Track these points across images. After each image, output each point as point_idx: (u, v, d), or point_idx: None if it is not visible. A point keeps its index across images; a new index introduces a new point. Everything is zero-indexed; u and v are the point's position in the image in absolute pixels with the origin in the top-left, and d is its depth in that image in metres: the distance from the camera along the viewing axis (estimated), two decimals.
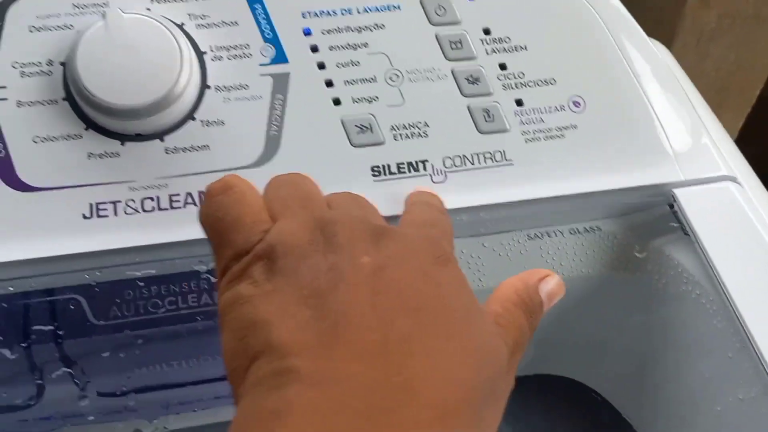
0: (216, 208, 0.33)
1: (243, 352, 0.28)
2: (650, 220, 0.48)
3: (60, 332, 0.48)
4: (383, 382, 0.26)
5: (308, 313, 0.28)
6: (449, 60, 0.45)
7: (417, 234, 0.33)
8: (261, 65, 0.44)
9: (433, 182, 0.44)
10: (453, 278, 0.31)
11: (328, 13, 0.45)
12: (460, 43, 0.46)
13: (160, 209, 0.41)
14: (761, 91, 1.08)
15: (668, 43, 0.79)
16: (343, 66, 0.44)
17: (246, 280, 0.30)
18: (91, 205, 0.41)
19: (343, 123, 0.44)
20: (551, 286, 0.36)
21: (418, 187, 0.42)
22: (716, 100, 1.04)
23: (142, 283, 0.47)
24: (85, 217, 0.41)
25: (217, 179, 0.34)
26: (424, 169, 0.44)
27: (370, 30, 0.45)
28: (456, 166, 0.44)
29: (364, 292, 0.28)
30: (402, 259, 0.30)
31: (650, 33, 0.50)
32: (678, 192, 0.46)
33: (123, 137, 0.42)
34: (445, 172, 0.44)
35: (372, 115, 0.44)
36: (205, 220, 0.33)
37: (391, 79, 0.45)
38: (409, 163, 0.44)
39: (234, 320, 0.29)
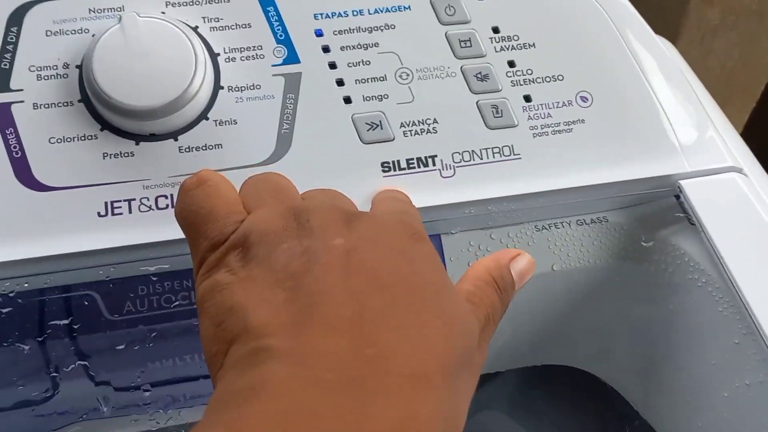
0: (190, 202, 0.33)
1: (221, 338, 0.28)
2: (657, 211, 0.49)
3: (75, 327, 0.49)
4: (355, 354, 0.26)
5: (283, 296, 0.28)
6: (459, 58, 0.46)
7: (389, 217, 0.34)
8: (273, 66, 0.44)
9: (443, 177, 0.44)
10: (426, 254, 0.32)
11: (340, 15, 0.45)
12: (470, 41, 0.46)
13: (173, 206, 0.41)
14: None
15: (672, 40, 0.79)
16: (354, 65, 0.45)
17: (223, 269, 0.30)
18: (106, 203, 0.41)
19: (353, 120, 0.44)
20: (522, 264, 0.37)
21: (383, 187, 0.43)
22: (721, 95, 1.03)
23: (155, 278, 0.47)
24: (99, 215, 0.41)
25: (190, 175, 0.34)
26: (434, 164, 0.44)
27: (381, 30, 0.45)
28: (465, 160, 0.44)
29: (337, 272, 0.29)
30: (374, 239, 0.31)
31: (654, 29, 0.50)
32: (684, 183, 0.46)
33: (137, 137, 0.42)
34: (453, 167, 0.44)
35: (382, 112, 0.44)
36: (181, 215, 0.34)
37: (401, 77, 0.45)
38: (419, 159, 0.44)
39: (212, 307, 0.29)
